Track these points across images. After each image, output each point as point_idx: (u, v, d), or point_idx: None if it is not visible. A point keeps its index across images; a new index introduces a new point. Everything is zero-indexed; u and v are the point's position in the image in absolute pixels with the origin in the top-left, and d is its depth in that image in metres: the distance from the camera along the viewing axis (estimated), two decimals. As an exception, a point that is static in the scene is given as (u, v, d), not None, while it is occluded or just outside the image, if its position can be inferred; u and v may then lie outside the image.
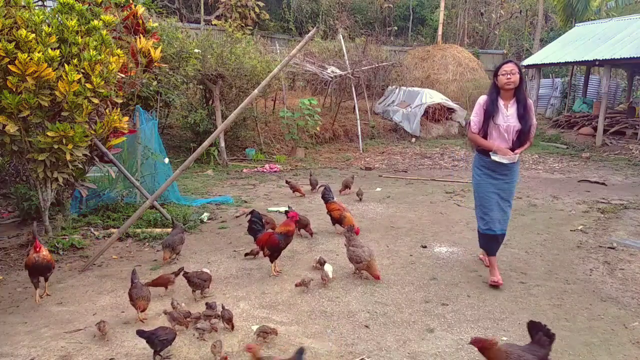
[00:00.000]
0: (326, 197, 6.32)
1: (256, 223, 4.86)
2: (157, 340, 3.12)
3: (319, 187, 7.80)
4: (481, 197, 4.48)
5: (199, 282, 4.10)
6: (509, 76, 4.21)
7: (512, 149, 4.32)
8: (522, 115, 4.26)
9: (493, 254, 4.57)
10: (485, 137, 4.41)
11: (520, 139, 4.34)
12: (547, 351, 2.79)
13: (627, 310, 4.00)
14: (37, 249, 4.07)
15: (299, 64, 13.91)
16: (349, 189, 8.17)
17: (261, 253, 4.87)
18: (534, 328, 2.88)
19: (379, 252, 5.29)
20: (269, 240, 4.65)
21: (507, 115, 4.28)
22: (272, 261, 4.69)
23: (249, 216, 4.95)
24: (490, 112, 4.30)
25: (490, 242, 4.53)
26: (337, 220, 5.92)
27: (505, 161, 4.27)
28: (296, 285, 4.29)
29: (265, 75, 10.56)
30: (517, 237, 5.89)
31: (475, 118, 4.39)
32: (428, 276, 4.67)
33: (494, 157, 4.29)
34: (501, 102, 4.31)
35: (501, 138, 4.35)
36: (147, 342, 3.15)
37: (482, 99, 4.39)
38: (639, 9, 20.61)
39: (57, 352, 3.28)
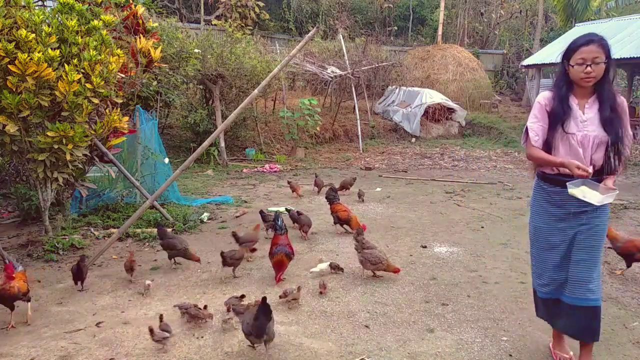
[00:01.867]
0: (331, 198, 6.31)
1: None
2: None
3: (326, 186, 7.77)
4: (538, 247, 3.10)
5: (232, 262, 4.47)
6: (589, 67, 2.73)
7: (594, 175, 2.81)
8: (609, 119, 2.78)
9: (559, 328, 3.16)
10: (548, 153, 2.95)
11: (608, 159, 2.84)
12: None
13: (627, 310, 4.00)
14: (9, 277, 3.66)
15: (299, 64, 13.91)
16: (347, 189, 8.17)
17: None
18: None
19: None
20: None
21: (584, 121, 2.83)
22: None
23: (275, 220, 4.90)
24: (558, 116, 2.86)
25: (550, 308, 3.12)
26: (344, 221, 5.90)
27: (594, 201, 2.72)
28: (280, 297, 3.97)
29: (265, 75, 10.56)
30: (517, 237, 5.88)
31: (536, 124, 2.93)
32: (428, 276, 4.67)
33: (573, 191, 2.76)
34: (574, 101, 2.89)
35: (573, 156, 2.86)
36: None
37: (544, 96, 2.96)
38: (639, 9, 20.62)
39: (57, 352, 3.28)
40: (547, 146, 2.93)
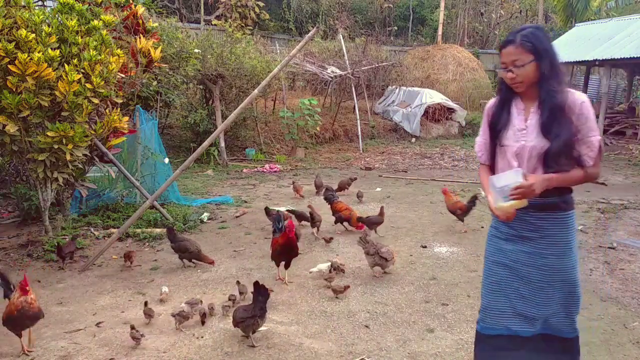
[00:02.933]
0: (330, 198, 6.33)
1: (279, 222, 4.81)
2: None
3: (322, 189, 7.74)
4: (485, 272, 2.61)
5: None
6: (511, 71, 2.31)
7: (547, 194, 2.32)
8: (548, 125, 2.29)
9: None
10: (493, 168, 2.57)
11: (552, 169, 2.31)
12: None
13: (627, 310, 4.00)
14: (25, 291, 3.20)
15: (299, 64, 13.90)
16: (345, 190, 8.15)
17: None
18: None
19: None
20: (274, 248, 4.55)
21: (522, 129, 2.38)
22: (286, 268, 4.54)
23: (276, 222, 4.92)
24: (495, 126, 2.47)
25: (484, 348, 2.60)
26: (345, 219, 5.96)
27: (502, 183, 2.32)
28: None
29: (265, 75, 10.56)
30: (517, 237, 5.89)
31: (480, 139, 2.60)
32: (428, 276, 4.67)
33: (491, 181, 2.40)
34: (520, 106, 2.44)
35: (505, 167, 2.46)
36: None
37: (488, 104, 2.59)
38: (639, 9, 20.62)
39: (57, 352, 3.29)
40: (493, 161, 2.56)
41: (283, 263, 4.50)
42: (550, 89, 2.29)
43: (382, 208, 5.95)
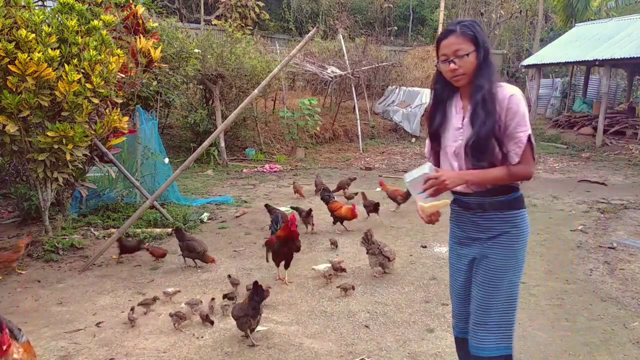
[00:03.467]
0: (326, 198, 6.33)
1: (276, 223, 4.84)
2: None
3: (320, 188, 7.74)
4: (450, 277, 2.54)
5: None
6: (452, 63, 2.18)
7: (486, 194, 2.25)
8: (475, 117, 2.18)
9: None
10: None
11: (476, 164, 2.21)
12: None
13: (627, 310, 4.00)
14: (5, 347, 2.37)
15: (299, 64, 13.90)
16: (345, 190, 8.14)
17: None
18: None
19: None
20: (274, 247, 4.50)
21: (460, 128, 2.27)
22: (286, 268, 4.51)
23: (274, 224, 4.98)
24: (434, 126, 2.37)
25: (461, 349, 2.53)
26: (342, 218, 5.98)
27: (411, 176, 2.24)
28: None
29: (265, 75, 10.56)
30: (517, 237, 5.89)
31: (427, 141, 2.50)
32: (428, 276, 4.67)
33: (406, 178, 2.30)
34: (458, 105, 2.32)
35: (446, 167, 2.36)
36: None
37: (428, 106, 2.47)
38: (639, 9, 20.61)
39: (57, 352, 3.29)
40: (438, 162, 2.42)
41: (282, 262, 4.49)
42: (481, 83, 2.18)
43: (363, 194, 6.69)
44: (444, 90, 2.32)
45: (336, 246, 5.44)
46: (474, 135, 2.16)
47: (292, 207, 6.43)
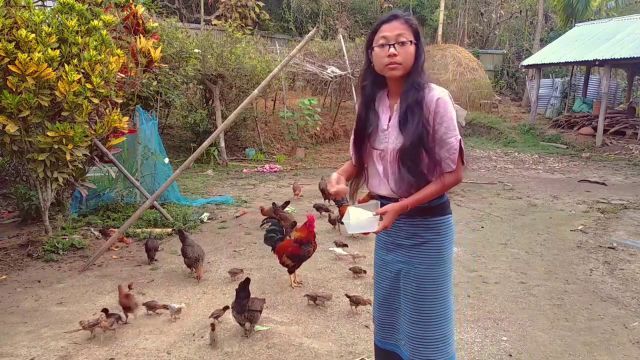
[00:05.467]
0: (338, 201, 6.30)
1: (275, 232, 4.63)
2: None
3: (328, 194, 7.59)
4: (374, 284, 2.42)
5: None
6: (392, 47, 2.04)
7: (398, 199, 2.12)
8: (404, 121, 2.07)
9: None
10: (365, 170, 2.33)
11: (410, 175, 2.08)
12: None
13: (627, 310, 4.00)
14: None
15: (299, 64, 13.91)
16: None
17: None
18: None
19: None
20: (292, 250, 4.28)
21: (385, 130, 2.16)
22: (291, 272, 4.40)
23: (267, 224, 4.84)
24: (361, 126, 2.24)
25: (376, 355, 2.45)
26: None
27: (356, 231, 2.12)
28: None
29: (265, 75, 10.56)
30: (517, 237, 5.88)
31: (352, 137, 2.35)
32: (428, 276, 4.67)
33: (345, 223, 2.13)
34: (385, 104, 2.21)
35: (375, 176, 2.25)
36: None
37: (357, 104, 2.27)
38: (639, 9, 20.61)
39: (57, 352, 3.28)
40: (360, 166, 2.31)
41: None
42: (414, 81, 2.07)
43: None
44: (372, 88, 2.19)
45: (340, 245, 5.40)
46: (406, 141, 2.04)
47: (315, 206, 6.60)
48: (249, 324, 3.45)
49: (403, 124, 2.06)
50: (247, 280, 3.52)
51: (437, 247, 2.18)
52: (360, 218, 2.07)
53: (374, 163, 2.21)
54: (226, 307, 3.66)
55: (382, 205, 2.11)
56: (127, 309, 3.66)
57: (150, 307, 3.79)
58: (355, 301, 3.81)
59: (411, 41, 2.05)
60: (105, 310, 3.55)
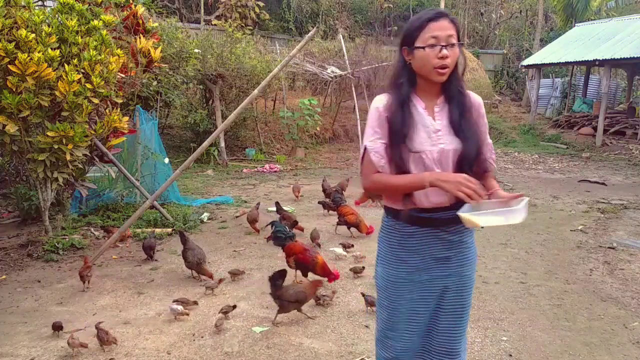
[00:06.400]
0: (337, 201, 6.29)
1: (281, 232, 4.69)
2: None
3: (332, 191, 7.19)
4: (389, 310, 2.13)
5: None
6: (445, 49, 1.93)
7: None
8: (460, 125, 2.01)
9: None
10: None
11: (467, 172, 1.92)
12: None
13: (627, 310, 4.00)
14: None
15: (299, 64, 13.89)
16: (344, 190, 8.12)
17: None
18: None
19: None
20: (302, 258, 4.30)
21: (437, 130, 2.01)
22: (305, 275, 4.42)
23: (271, 226, 4.88)
24: (399, 127, 1.99)
25: None
26: (352, 224, 5.81)
27: (511, 221, 1.88)
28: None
29: (265, 75, 10.56)
30: (517, 237, 5.88)
31: (379, 143, 2.02)
32: (428, 276, 4.67)
33: (467, 216, 1.84)
34: (420, 104, 2.04)
35: None
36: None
37: (382, 101, 2.06)
38: (639, 9, 20.61)
39: (57, 352, 3.29)
40: (397, 168, 1.99)
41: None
42: (460, 84, 2.06)
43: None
44: (408, 87, 2.03)
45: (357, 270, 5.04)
46: (468, 146, 1.98)
47: (276, 205, 6.44)
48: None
49: (459, 127, 2.00)
50: (283, 272, 3.70)
51: (473, 247, 2.14)
52: (493, 217, 1.87)
53: (426, 168, 1.98)
54: (235, 306, 3.78)
55: (422, 220, 2.01)
56: (82, 277, 4.24)
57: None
58: (370, 302, 3.78)
59: (458, 43, 1.98)
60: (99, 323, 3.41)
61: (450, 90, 2.03)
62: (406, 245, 2.06)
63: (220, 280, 4.29)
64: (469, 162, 1.99)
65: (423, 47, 1.92)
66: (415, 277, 2.06)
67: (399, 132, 1.98)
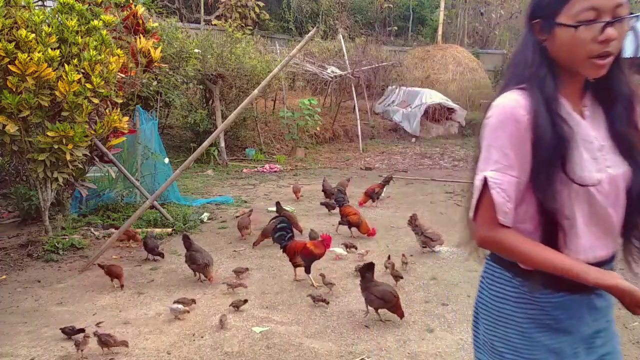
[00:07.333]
0: (339, 201, 6.28)
1: (285, 229, 4.64)
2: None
3: (333, 191, 7.03)
4: None
5: None
6: (610, 28, 1.24)
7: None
8: (629, 137, 1.37)
9: None
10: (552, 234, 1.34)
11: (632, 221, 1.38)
12: None
13: (627, 310, 3.99)
14: None
15: (299, 64, 13.90)
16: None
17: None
18: None
19: (379, 252, 5.28)
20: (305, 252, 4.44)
21: (602, 147, 1.36)
22: (308, 272, 4.49)
23: (275, 222, 4.85)
24: (555, 142, 1.27)
25: None
26: (353, 224, 5.81)
27: None
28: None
29: (265, 75, 10.55)
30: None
31: (507, 176, 1.30)
32: (428, 276, 4.67)
33: None
34: (569, 108, 1.35)
35: (602, 227, 1.37)
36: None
37: (517, 102, 1.30)
38: (639, 9, 20.62)
39: (57, 352, 3.29)
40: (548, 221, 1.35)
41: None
42: (624, 78, 1.36)
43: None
44: (554, 83, 1.32)
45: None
46: (636, 176, 1.34)
47: (277, 205, 6.41)
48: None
49: (628, 143, 1.35)
50: (371, 264, 3.81)
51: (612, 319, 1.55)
52: None
53: (593, 206, 1.33)
54: (246, 300, 3.90)
55: (569, 284, 1.35)
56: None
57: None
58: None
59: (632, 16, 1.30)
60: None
61: (613, 86, 1.36)
62: (548, 322, 1.39)
63: (240, 283, 4.28)
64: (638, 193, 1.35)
65: (575, 26, 1.25)
66: (555, 345, 1.39)
67: (551, 152, 1.28)
